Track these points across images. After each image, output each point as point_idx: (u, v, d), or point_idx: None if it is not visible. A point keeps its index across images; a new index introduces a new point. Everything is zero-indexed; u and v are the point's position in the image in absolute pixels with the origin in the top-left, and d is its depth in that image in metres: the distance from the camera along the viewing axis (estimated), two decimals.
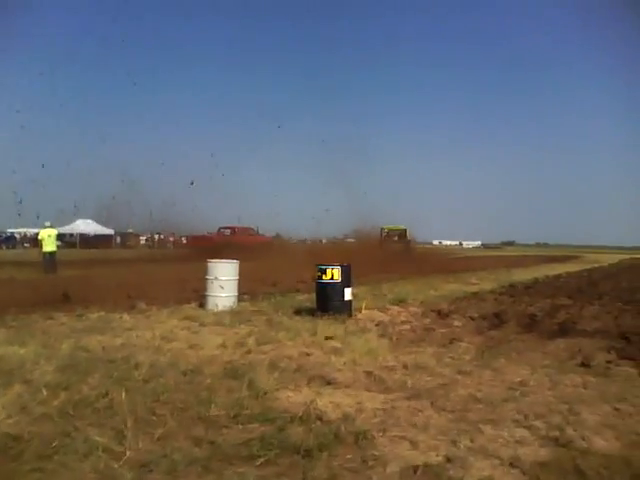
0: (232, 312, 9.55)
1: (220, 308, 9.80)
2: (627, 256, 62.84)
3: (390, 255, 30.20)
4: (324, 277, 9.32)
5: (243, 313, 9.51)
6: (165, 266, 24.09)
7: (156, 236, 62.73)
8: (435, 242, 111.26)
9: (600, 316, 9.98)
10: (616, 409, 4.78)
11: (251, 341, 7.14)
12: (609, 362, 6.50)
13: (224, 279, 10.11)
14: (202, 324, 8.41)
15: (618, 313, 10.39)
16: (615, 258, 54.06)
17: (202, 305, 10.29)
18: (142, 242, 63.96)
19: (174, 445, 3.79)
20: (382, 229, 36.43)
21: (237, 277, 10.50)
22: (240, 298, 11.03)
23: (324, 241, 41.48)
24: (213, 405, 4.51)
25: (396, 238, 35.99)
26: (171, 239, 63.34)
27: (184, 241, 46.71)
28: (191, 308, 10.10)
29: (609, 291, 15.35)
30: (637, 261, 46.35)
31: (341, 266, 9.43)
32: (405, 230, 36.62)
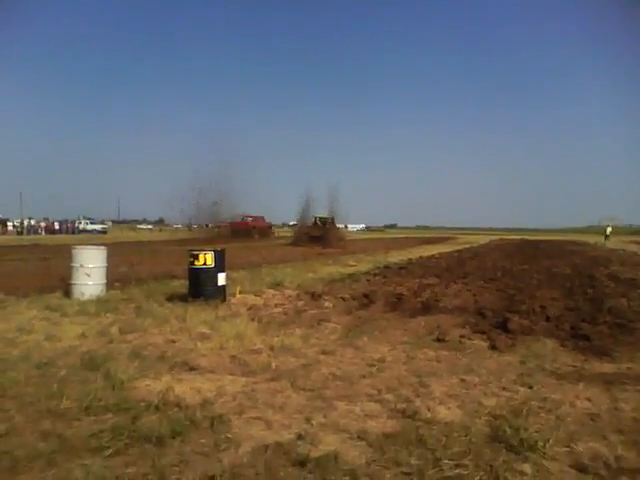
0: (99, 301, 9.14)
1: (86, 297, 9.36)
2: (497, 237, 67.36)
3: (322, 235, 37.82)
4: (197, 262, 9.16)
5: (111, 301, 9.13)
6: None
7: (26, 221, 58.96)
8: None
9: (461, 294, 10.62)
10: (463, 380, 5.14)
11: (114, 330, 6.91)
12: (462, 336, 6.96)
13: (90, 266, 9.65)
14: (64, 314, 8.00)
15: (478, 291, 11.11)
16: (487, 239, 57.76)
17: (68, 294, 9.78)
18: (10, 228, 59.70)
19: (18, 441, 3.61)
20: (315, 217, 41.89)
21: (105, 264, 10.06)
22: (111, 286, 10.62)
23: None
24: (65, 398, 4.32)
25: (322, 224, 40.63)
26: (42, 225, 59.88)
27: (56, 226, 46.91)
28: (55, 297, 9.56)
29: (474, 270, 16.37)
30: (504, 242, 49.85)
31: (214, 251, 9.32)
32: (332, 218, 41.51)
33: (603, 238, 60.17)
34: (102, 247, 10.31)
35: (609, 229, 64.27)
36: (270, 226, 54.44)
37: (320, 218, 41.37)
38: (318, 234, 38.24)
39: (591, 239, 61.07)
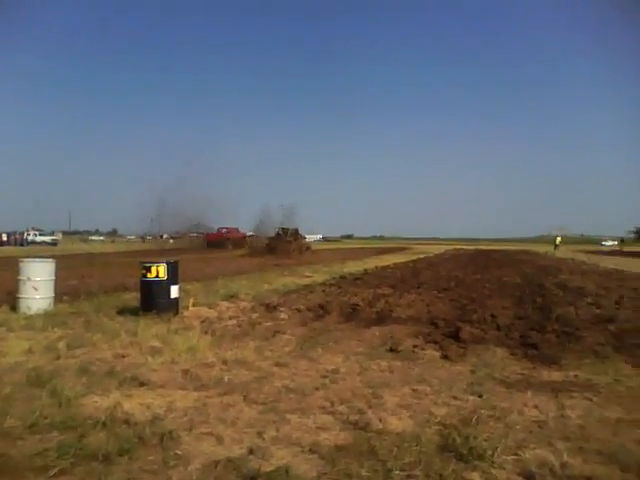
0: (46, 315, 8.88)
1: (34, 311, 9.09)
2: (452, 247, 68.49)
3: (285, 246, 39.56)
4: (149, 275, 9.01)
5: (59, 316, 8.90)
6: None
7: None
8: None
9: (415, 304, 10.75)
10: (414, 390, 5.19)
11: (62, 345, 6.72)
12: (415, 346, 7.04)
13: (38, 280, 9.38)
14: (10, 329, 7.74)
15: (431, 301, 11.26)
16: (442, 249, 58.64)
17: (14, 308, 9.47)
18: None
19: None
20: (279, 228, 43.85)
21: (53, 277, 9.80)
22: (60, 299, 10.37)
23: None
24: (9, 416, 4.18)
25: (287, 235, 43.01)
26: (4, 238, 58.70)
27: (4, 238, 47.05)
28: (1, 312, 9.22)
29: (428, 280, 16.58)
30: (458, 252, 50.70)
31: (167, 263, 9.19)
32: (297, 229, 44.20)
33: (553, 247, 61.88)
34: (50, 260, 10.05)
35: (559, 239, 66.15)
36: (244, 236, 55.64)
37: (283, 229, 42.95)
38: (279, 245, 39.51)
39: (541, 249, 62.70)
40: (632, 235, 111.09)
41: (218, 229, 56.11)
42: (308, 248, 43.30)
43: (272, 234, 42.88)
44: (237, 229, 56.38)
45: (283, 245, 40.29)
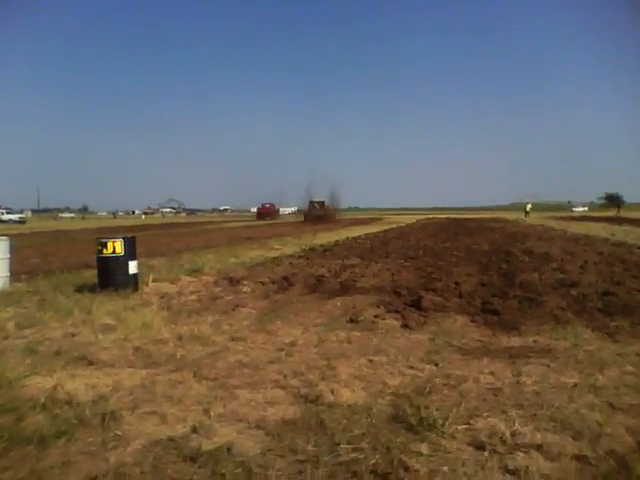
0: (1, 294, 8.64)
1: None
2: (425, 216, 68.83)
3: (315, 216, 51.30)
4: (105, 251, 8.77)
5: (14, 295, 8.64)
6: None
7: None
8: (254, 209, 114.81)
9: (380, 273, 10.66)
10: (370, 361, 5.09)
11: (11, 325, 6.51)
12: (376, 316, 6.93)
13: None
14: None
15: (397, 270, 11.17)
16: (414, 219, 58.83)
17: None
18: None
19: None
20: (310, 201, 56.73)
21: (8, 255, 9.48)
22: (17, 278, 10.08)
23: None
24: None
25: (318, 206, 55.42)
26: None
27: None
28: None
29: (397, 250, 16.50)
30: (430, 220, 50.94)
31: (124, 238, 8.94)
32: (324, 202, 56.42)
33: (523, 214, 62.53)
34: (4, 237, 9.72)
35: (529, 206, 66.82)
36: (277, 210, 79.75)
37: (312, 202, 55.62)
38: (314, 214, 51.72)
39: (513, 216, 63.27)
40: (602, 201, 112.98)
41: (262, 204, 78.53)
42: (333, 218, 52.24)
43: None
44: (274, 204, 79.63)
45: (317, 214, 51.54)
